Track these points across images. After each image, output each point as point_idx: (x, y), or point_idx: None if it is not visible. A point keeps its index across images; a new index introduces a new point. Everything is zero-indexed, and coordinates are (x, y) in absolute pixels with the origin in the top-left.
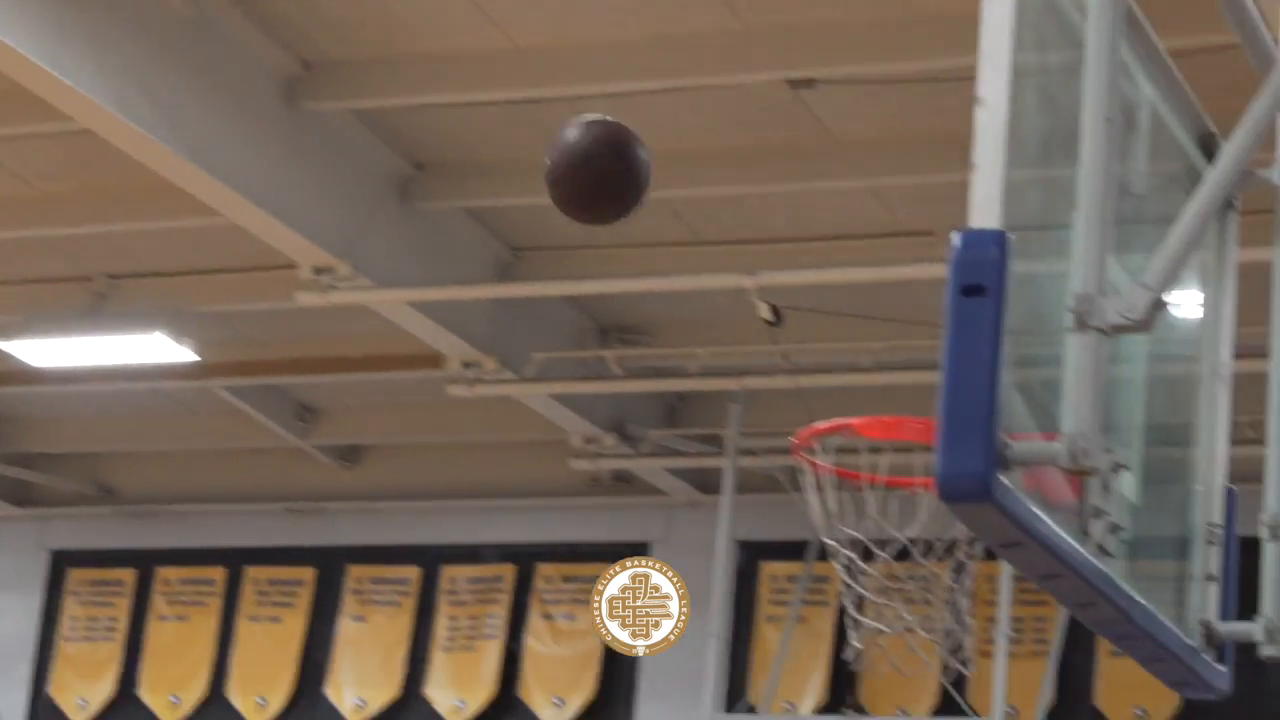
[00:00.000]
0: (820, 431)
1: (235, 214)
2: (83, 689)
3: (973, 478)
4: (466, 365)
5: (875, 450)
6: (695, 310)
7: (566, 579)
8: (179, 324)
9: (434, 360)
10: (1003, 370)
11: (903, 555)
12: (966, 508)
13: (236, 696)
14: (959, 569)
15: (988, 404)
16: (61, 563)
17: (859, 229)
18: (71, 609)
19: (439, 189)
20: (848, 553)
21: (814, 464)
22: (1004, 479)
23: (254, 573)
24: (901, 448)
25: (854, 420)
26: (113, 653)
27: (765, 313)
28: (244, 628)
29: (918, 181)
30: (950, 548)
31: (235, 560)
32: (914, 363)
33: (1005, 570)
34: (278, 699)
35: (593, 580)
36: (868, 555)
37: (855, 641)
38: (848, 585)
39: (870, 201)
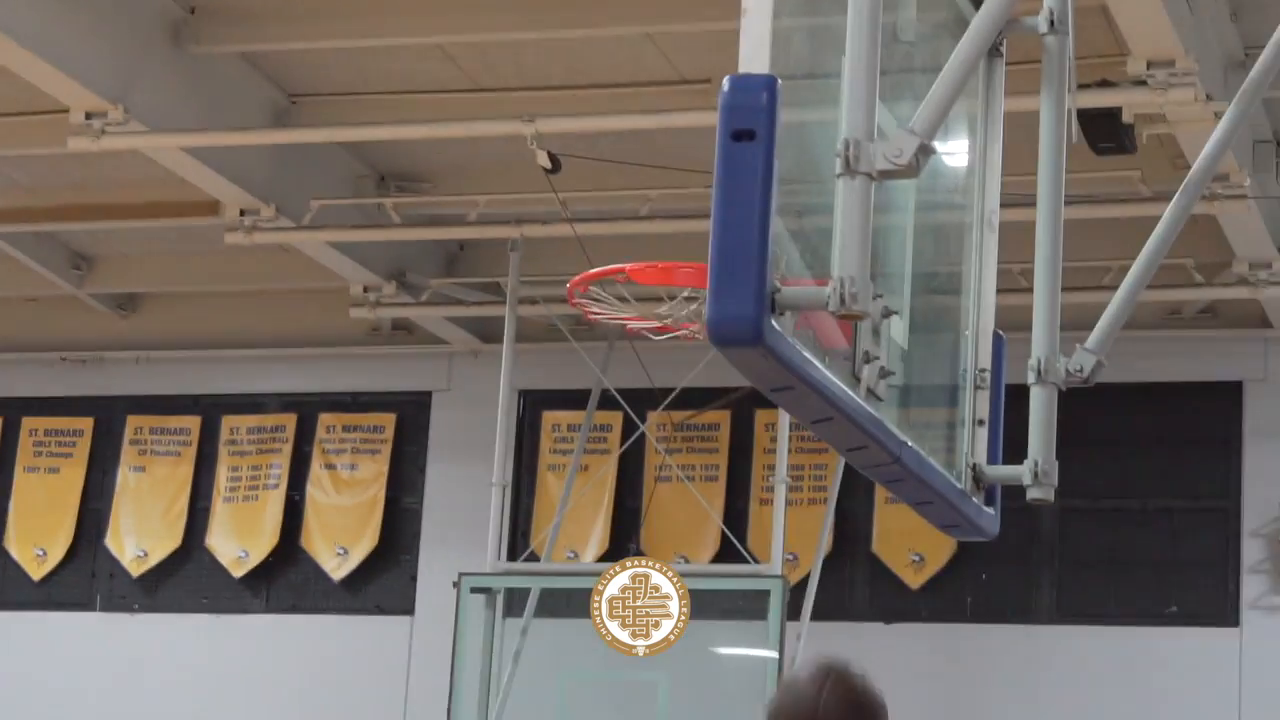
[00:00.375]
0: (593, 277)
1: (3, 57)
2: None
3: (743, 321)
4: (244, 213)
5: (652, 297)
6: (474, 158)
7: (348, 428)
8: None
9: (211, 208)
10: (776, 217)
11: (682, 403)
12: (737, 352)
13: (15, 548)
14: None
15: (758, 248)
16: None
17: (637, 76)
18: None
19: (213, 33)
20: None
21: (587, 310)
22: (774, 323)
23: (30, 423)
24: (679, 295)
25: (627, 266)
26: None
27: (544, 160)
28: (21, 479)
29: (695, 29)
30: (728, 394)
31: (11, 410)
32: (691, 211)
33: (784, 418)
34: (57, 550)
35: (375, 430)
36: (648, 403)
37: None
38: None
39: (648, 49)
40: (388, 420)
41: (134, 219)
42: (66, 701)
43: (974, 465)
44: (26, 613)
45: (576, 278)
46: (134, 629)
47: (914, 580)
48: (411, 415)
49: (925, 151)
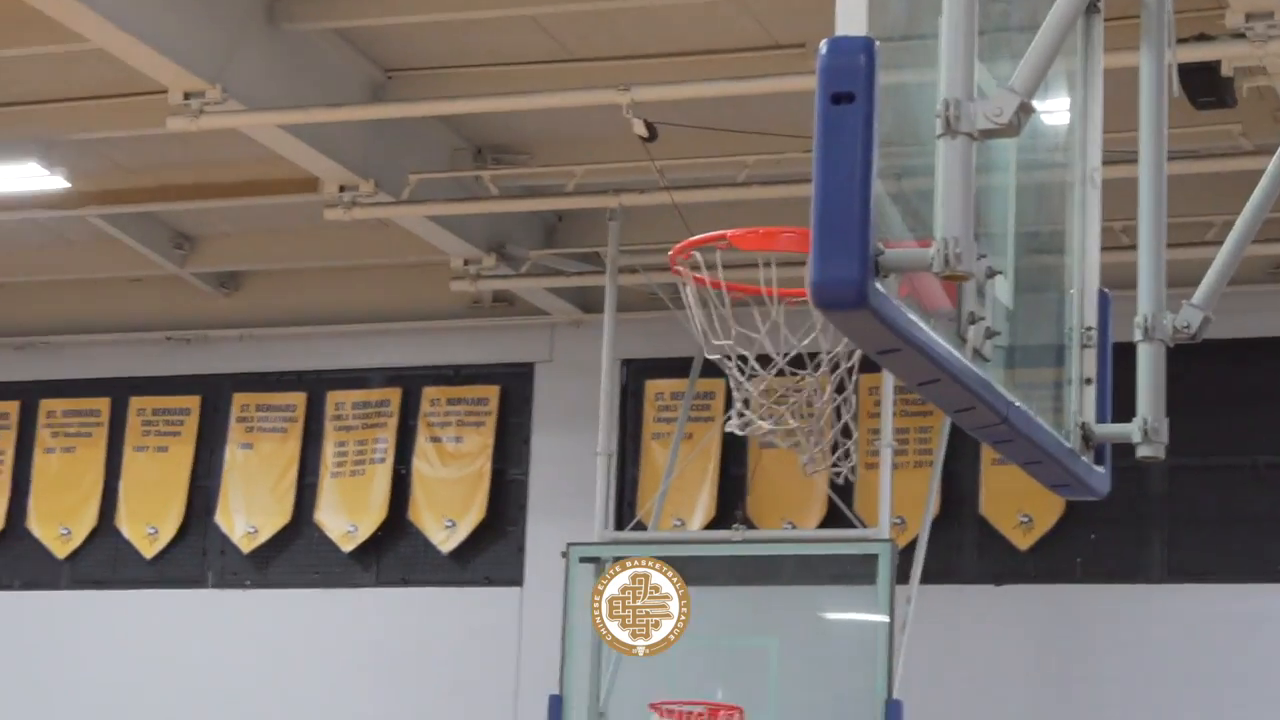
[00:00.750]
0: (695, 244)
1: (102, 39)
2: None
3: (847, 284)
4: (343, 189)
5: (753, 263)
6: (570, 128)
7: (453, 401)
8: (51, 153)
9: (310, 184)
10: (876, 180)
11: (797, 365)
12: (842, 315)
13: (127, 527)
14: (841, 382)
15: (860, 210)
16: None
17: (730, 43)
18: None
19: (307, 10)
20: (731, 364)
21: (692, 277)
22: (879, 286)
23: (139, 402)
24: (783, 259)
25: (729, 232)
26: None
27: (640, 129)
28: (131, 458)
29: None
30: (834, 359)
31: (119, 390)
32: (789, 176)
33: (888, 382)
34: (168, 528)
35: (479, 402)
36: (751, 369)
37: (738, 429)
38: (735, 393)
39: (741, 15)
40: (491, 392)
41: (234, 198)
42: (180, 678)
43: (1083, 424)
44: (139, 591)
45: (678, 245)
46: (246, 605)
47: (1023, 541)
48: (515, 387)
49: (1026, 110)
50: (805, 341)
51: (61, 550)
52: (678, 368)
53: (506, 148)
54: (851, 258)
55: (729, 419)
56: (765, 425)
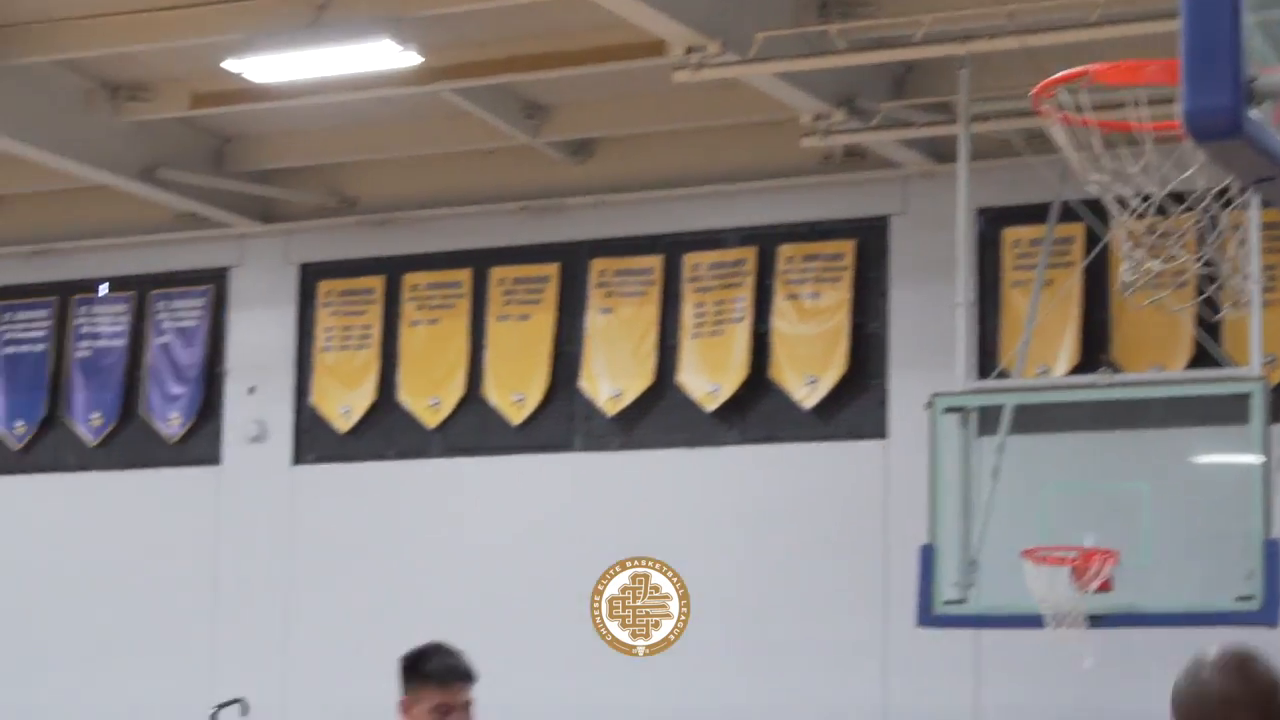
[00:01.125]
0: (1058, 82)
1: None
2: (344, 397)
3: (1221, 113)
4: (690, 50)
5: (1117, 103)
6: None
7: (808, 258)
8: (402, 29)
9: (657, 48)
10: (1244, 7)
11: (1168, 205)
12: (1216, 145)
13: (494, 395)
14: (1213, 219)
15: (1231, 37)
16: (310, 275)
17: None
18: (325, 320)
19: None
20: (1121, 194)
21: (1058, 116)
22: (1253, 112)
23: (499, 273)
24: (1149, 95)
25: (1092, 67)
26: (369, 360)
27: None
28: (494, 328)
29: None
30: (1219, 192)
31: (479, 261)
32: (1142, 13)
33: (1254, 217)
34: (535, 394)
35: (835, 257)
36: (1121, 207)
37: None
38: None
39: None
40: (847, 247)
41: (582, 65)
42: (550, 539)
43: None
44: (508, 456)
45: (1040, 84)
46: (613, 466)
47: None
48: (870, 240)
49: None
50: (1185, 174)
51: (432, 420)
52: (1034, 214)
53: (852, 0)
54: (1224, 85)
55: (1118, 270)
56: (1154, 266)
